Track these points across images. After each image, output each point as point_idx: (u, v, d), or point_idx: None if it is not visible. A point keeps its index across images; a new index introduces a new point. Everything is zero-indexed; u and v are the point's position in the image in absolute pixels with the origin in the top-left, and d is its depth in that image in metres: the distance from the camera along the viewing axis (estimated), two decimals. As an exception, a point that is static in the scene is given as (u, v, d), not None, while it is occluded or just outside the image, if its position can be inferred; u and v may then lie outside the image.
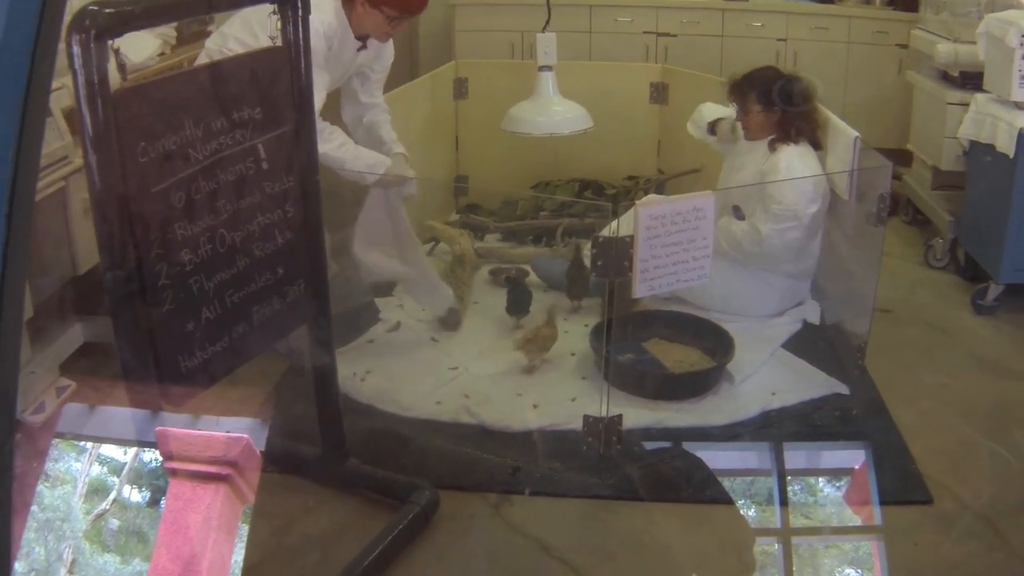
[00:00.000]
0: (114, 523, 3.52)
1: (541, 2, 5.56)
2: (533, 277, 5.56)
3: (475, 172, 6.60)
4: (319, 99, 4.30)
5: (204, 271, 3.01)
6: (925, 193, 6.35)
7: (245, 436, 3.45)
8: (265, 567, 3.43)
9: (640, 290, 3.88)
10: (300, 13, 3.19)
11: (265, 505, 3.61)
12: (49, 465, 3.62)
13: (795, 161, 4.89)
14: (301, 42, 3.23)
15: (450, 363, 4.77)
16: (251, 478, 3.41)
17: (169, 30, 4.96)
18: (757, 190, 4.90)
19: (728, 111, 5.26)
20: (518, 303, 5.01)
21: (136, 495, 3.62)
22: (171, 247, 2.88)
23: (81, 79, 2.53)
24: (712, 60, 7.77)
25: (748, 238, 4.92)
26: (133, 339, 2.89)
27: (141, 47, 4.57)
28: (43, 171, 3.87)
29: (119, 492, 3.60)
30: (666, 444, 4.16)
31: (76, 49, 2.49)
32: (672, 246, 3.82)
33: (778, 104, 4.97)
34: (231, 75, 3.13)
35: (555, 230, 5.90)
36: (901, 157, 6.79)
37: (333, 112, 4.70)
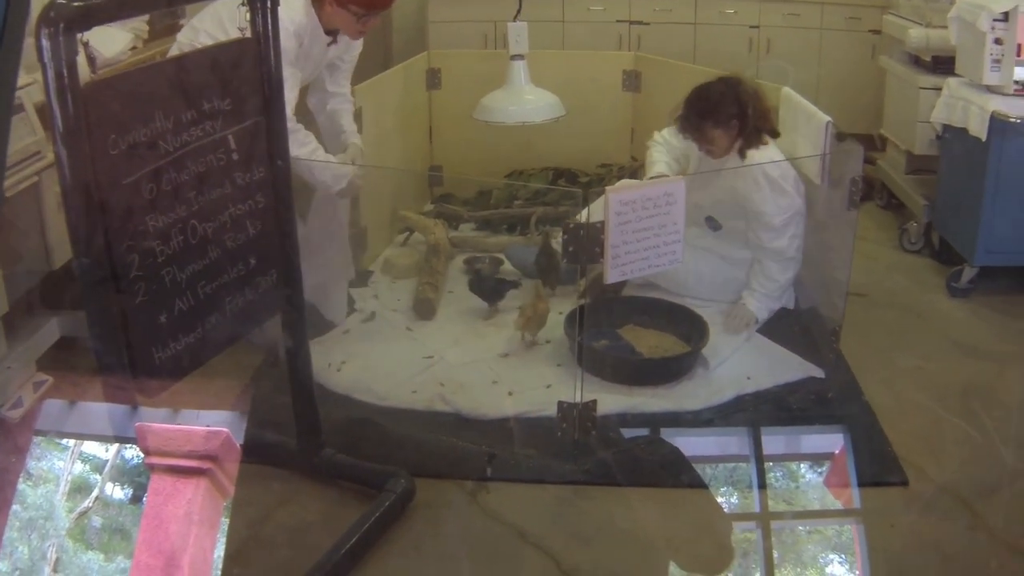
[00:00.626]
0: (97, 521, 3.52)
1: (514, -8, 5.58)
2: (507, 265, 5.58)
3: (449, 162, 6.60)
4: (291, 97, 4.30)
5: (176, 262, 3.02)
6: (899, 177, 6.38)
7: (224, 430, 3.46)
8: (241, 557, 3.43)
9: (612, 276, 3.89)
10: (268, 5, 3.20)
11: (241, 496, 3.62)
12: (31, 463, 3.63)
13: (768, 168, 4.83)
14: (270, 33, 3.24)
15: (425, 352, 4.78)
16: (231, 471, 3.42)
17: (141, 24, 4.95)
18: (736, 201, 4.95)
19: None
20: (491, 292, 5.01)
21: (119, 492, 3.62)
22: (143, 238, 2.89)
23: (50, 72, 2.54)
24: (685, 48, 7.78)
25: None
26: (106, 331, 2.90)
27: (113, 41, 4.56)
28: (16, 166, 3.87)
29: (102, 489, 3.60)
30: (642, 430, 4.17)
31: (45, 42, 2.50)
32: (643, 231, 3.84)
33: (735, 116, 4.86)
34: (200, 67, 3.13)
35: (529, 218, 5.90)
36: (875, 142, 6.83)
37: (302, 105, 4.70)
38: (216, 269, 3.19)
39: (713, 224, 5.08)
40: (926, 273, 5.79)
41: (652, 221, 3.83)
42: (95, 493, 3.60)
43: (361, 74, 5.12)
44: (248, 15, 3.20)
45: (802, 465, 4.15)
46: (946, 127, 5.61)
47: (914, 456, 3.95)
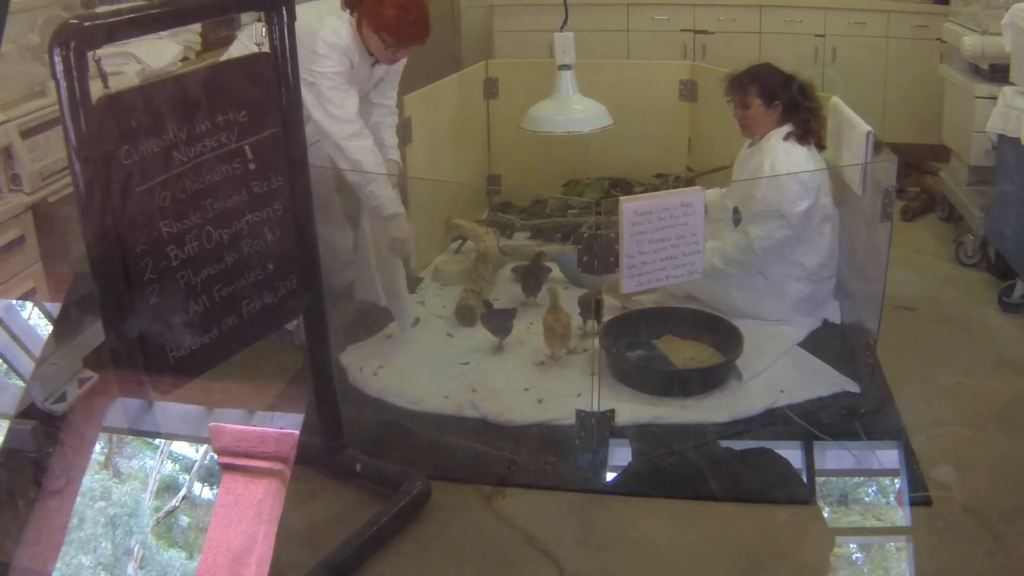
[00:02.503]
0: (184, 520, 3.60)
1: (579, 2, 5.61)
2: (556, 272, 5.62)
3: (508, 171, 6.65)
4: (352, 105, 4.49)
5: (191, 266, 3.13)
6: (959, 189, 6.27)
7: (296, 432, 3.53)
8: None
9: (628, 286, 3.92)
10: (285, 20, 3.29)
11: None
12: (121, 462, 3.72)
13: (780, 159, 4.89)
14: (287, 47, 3.33)
15: (463, 358, 4.85)
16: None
17: (193, 36, 5.06)
18: (751, 193, 4.95)
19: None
20: (499, 326, 5.00)
21: (207, 492, 3.70)
22: (156, 243, 3.00)
23: (63, 88, 2.67)
24: (750, 57, 7.61)
25: (736, 246, 4.94)
26: (120, 330, 3.01)
27: (162, 53, 4.67)
28: (63, 172, 4.01)
29: (189, 489, 3.68)
30: (663, 441, 4.19)
31: (57, 60, 2.64)
32: (660, 242, 3.86)
33: (781, 99, 4.98)
34: (214, 80, 3.23)
35: (581, 227, 5.94)
36: (941, 153, 6.76)
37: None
38: (233, 273, 3.29)
39: (736, 217, 5.09)
40: (980, 287, 5.70)
41: (669, 232, 3.85)
42: (182, 492, 3.68)
43: (425, 81, 5.19)
44: (265, 30, 3.30)
45: (825, 480, 4.14)
46: (1001, 137, 5.49)
47: (941, 476, 3.91)
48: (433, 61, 5.11)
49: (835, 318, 5.14)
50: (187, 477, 3.65)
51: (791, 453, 4.13)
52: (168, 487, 3.60)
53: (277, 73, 3.35)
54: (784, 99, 4.99)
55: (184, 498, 3.61)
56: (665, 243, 3.86)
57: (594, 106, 5.50)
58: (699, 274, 4.05)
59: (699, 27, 7.91)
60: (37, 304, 4.11)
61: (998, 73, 5.81)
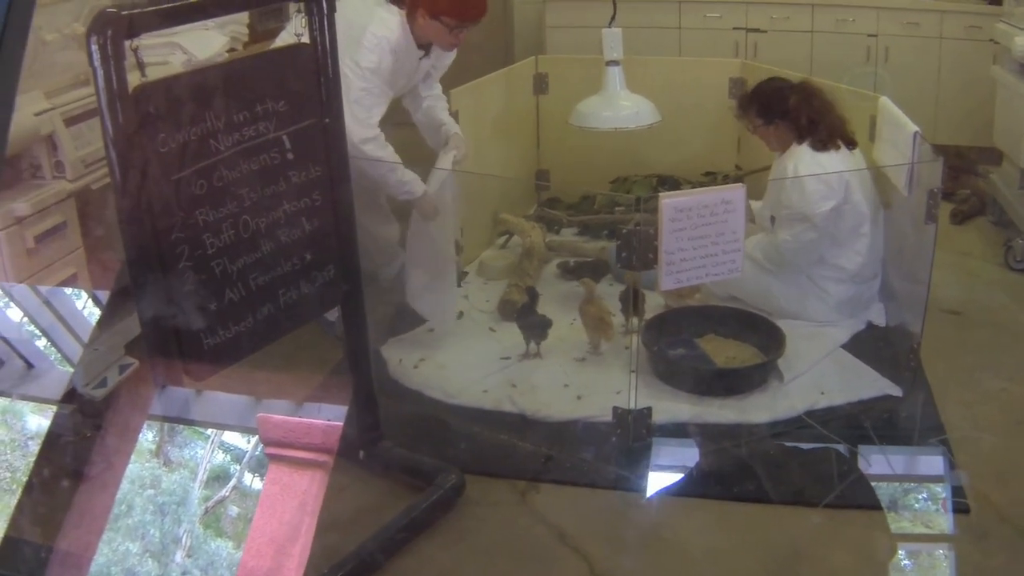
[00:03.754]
0: (234, 510, 3.63)
1: (630, -1, 5.62)
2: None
3: (556, 167, 6.64)
4: (379, 111, 4.51)
5: (227, 254, 3.15)
6: (1009, 192, 6.19)
7: (340, 424, 3.55)
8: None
9: (666, 283, 3.91)
10: (325, 10, 3.30)
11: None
12: (172, 450, 3.75)
13: (804, 161, 4.90)
14: (327, 38, 3.34)
15: (504, 352, 4.85)
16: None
17: (240, 27, 5.09)
18: (778, 198, 4.93)
19: None
20: (533, 329, 4.94)
21: (257, 483, 3.73)
22: (192, 231, 3.03)
23: (100, 77, 2.70)
24: (802, 56, 7.72)
25: (767, 250, 4.94)
26: (154, 316, 3.03)
27: (208, 44, 4.69)
28: (101, 161, 4.04)
29: (239, 479, 3.71)
30: (701, 440, 4.18)
31: (94, 49, 2.66)
32: (699, 239, 3.83)
33: (784, 115, 5.02)
34: (253, 70, 3.26)
35: (627, 224, 5.93)
36: (993, 155, 6.68)
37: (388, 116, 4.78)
38: (269, 262, 3.31)
39: (773, 226, 5.08)
40: (1028, 293, 5.65)
41: (709, 229, 3.83)
42: (232, 482, 3.71)
43: (476, 74, 5.18)
44: (305, 21, 3.31)
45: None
46: (1053, 139, 5.46)
47: (980, 482, 3.85)
48: (485, 56, 5.11)
49: (879, 320, 5.11)
50: (237, 467, 3.68)
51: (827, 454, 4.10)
52: (218, 477, 3.64)
53: (316, 64, 3.36)
54: (786, 114, 5.01)
55: (234, 488, 3.64)
56: (705, 240, 3.84)
57: (642, 102, 5.47)
58: (739, 272, 4.03)
59: (751, 25, 7.88)
60: (79, 290, 4.16)
61: (1050, 74, 5.76)
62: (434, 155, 5.01)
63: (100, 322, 4.27)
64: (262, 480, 3.67)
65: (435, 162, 4.88)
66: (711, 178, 6.36)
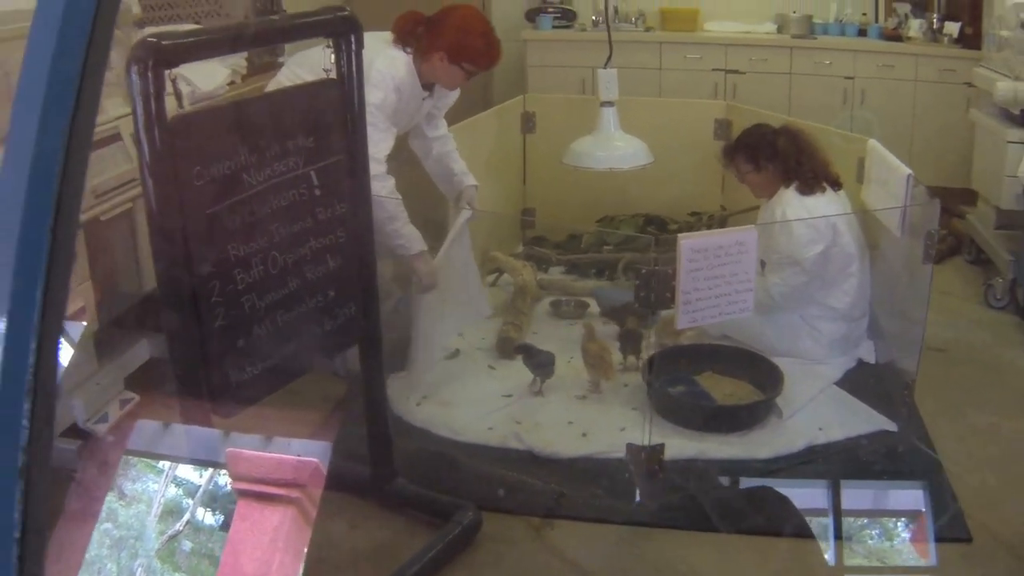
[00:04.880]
0: (187, 544, 3.61)
1: (615, 39, 5.64)
2: (594, 308, 5.66)
3: (542, 205, 6.67)
4: (386, 147, 4.50)
5: (256, 290, 3.15)
6: (987, 232, 6.30)
7: (315, 460, 3.54)
8: (307, 578, 3.53)
9: (683, 321, 3.95)
10: (354, 47, 3.33)
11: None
12: (125, 483, 3.73)
13: (792, 206, 4.99)
14: (355, 75, 3.36)
15: (504, 390, 4.86)
16: (319, 501, 3.52)
17: (240, 60, 5.10)
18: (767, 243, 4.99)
19: None
20: (540, 366, 4.93)
21: (210, 518, 3.71)
22: (224, 266, 3.03)
23: (139, 106, 2.70)
24: (780, 97, 7.83)
25: (757, 294, 4.95)
26: (185, 352, 3.03)
27: (211, 76, 4.71)
28: (112, 192, 4.02)
29: (192, 514, 3.69)
30: (709, 475, 4.22)
31: (135, 78, 2.66)
32: (715, 279, 3.88)
33: (770, 160, 5.12)
34: (284, 105, 3.28)
35: (617, 263, 5.98)
36: (967, 196, 6.78)
37: (393, 160, 4.78)
38: (295, 299, 3.32)
39: (763, 269, 5.14)
40: (1009, 330, 5.72)
41: (724, 269, 3.88)
42: (186, 517, 3.68)
43: (462, 116, 5.22)
44: (333, 57, 3.34)
45: (865, 518, 4.15)
46: (1033, 181, 5.56)
47: (980, 513, 3.92)
48: (464, 95, 5.13)
49: (869, 358, 5.17)
50: (190, 501, 3.67)
51: (820, 492, 4.16)
52: (171, 511, 3.63)
53: (344, 100, 3.38)
54: (774, 159, 5.10)
55: (187, 522, 3.63)
56: (719, 280, 3.89)
57: (635, 143, 5.53)
58: (750, 311, 4.07)
59: (730, 67, 8.00)
60: (82, 323, 4.14)
61: (1030, 119, 5.87)
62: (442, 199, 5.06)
63: (101, 356, 4.26)
64: (215, 515, 3.67)
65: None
66: (697, 218, 6.43)
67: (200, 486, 3.60)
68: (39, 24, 1.29)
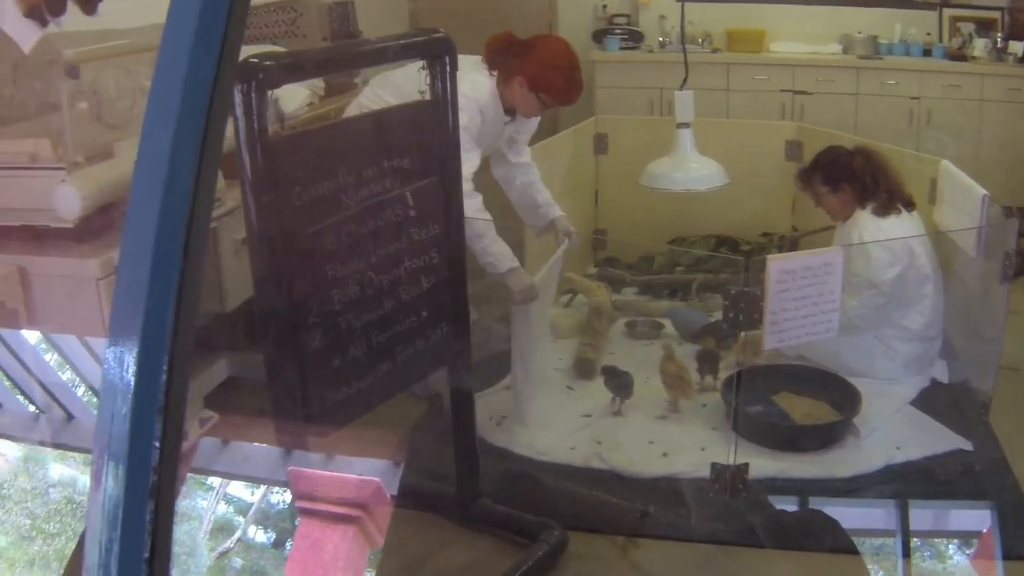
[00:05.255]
0: (238, 562, 3.65)
1: (680, 60, 5.66)
2: (669, 328, 5.70)
3: (614, 226, 6.70)
4: (472, 167, 4.49)
5: (352, 311, 3.20)
6: (1056, 252, 6.31)
7: (376, 479, 3.59)
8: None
9: (770, 342, 3.98)
10: (448, 70, 3.37)
11: (399, 539, 3.77)
12: (179, 501, 3.78)
13: (868, 229, 5.00)
14: (449, 96, 3.41)
15: (584, 410, 4.89)
16: (380, 522, 3.56)
17: (318, 81, 5.16)
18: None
19: None
20: (621, 387, 4.97)
21: (261, 535, 3.74)
22: (322, 286, 3.08)
23: (242, 126, 2.75)
24: (847, 118, 7.80)
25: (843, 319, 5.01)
26: (283, 371, 3.08)
27: (292, 97, 4.76)
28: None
29: (244, 531, 3.73)
30: (790, 497, 4.24)
31: (238, 97, 2.71)
32: (802, 299, 3.91)
33: (847, 181, 5.12)
34: (381, 126, 3.33)
35: (690, 284, 6.01)
36: (1037, 216, 6.76)
37: (479, 177, 4.81)
38: (389, 319, 3.36)
39: None
40: (1080, 350, 5.71)
41: (811, 290, 3.91)
42: (237, 534, 3.72)
43: (535, 138, 5.24)
44: (428, 79, 3.39)
45: (949, 540, 4.17)
46: (1101, 199, 5.55)
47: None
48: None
49: (943, 377, 5.16)
50: (242, 519, 3.71)
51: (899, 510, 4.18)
52: (222, 528, 3.66)
53: (438, 121, 3.43)
54: (851, 181, 5.11)
55: (239, 540, 3.67)
56: (806, 300, 3.92)
57: (711, 165, 5.53)
58: (835, 332, 4.10)
59: (798, 88, 7.99)
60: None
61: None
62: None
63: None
64: (266, 532, 3.71)
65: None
66: (768, 239, 6.43)
67: (252, 504, 3.65)
68: (170, 42, 1.32)
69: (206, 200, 1.35)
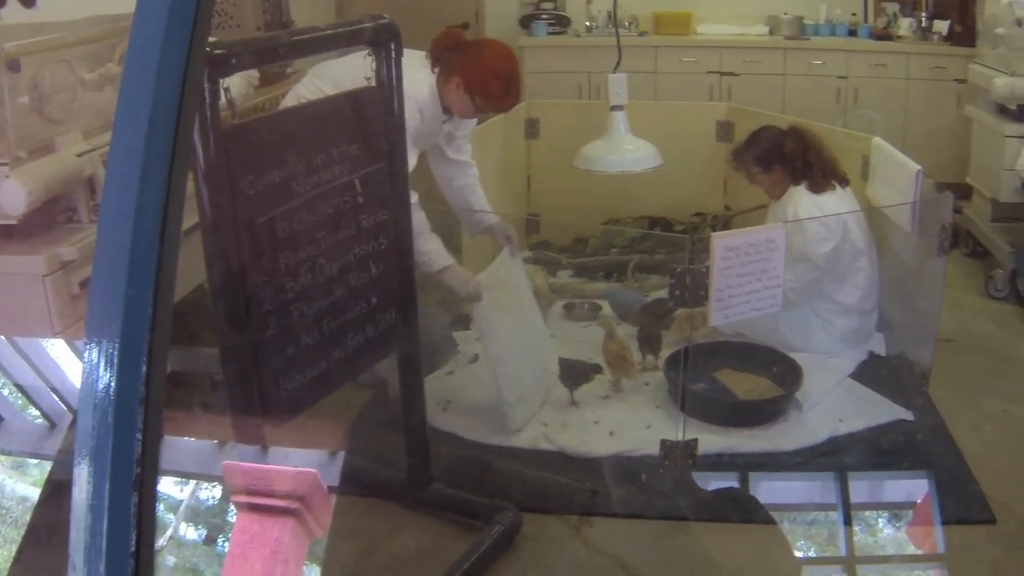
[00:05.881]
0: (170, 560, 3.62)
1: (609, 44, 5.67)
2: (606, 309, 5.75)
3: (547, 210, 6.71)
4: (410, 164, 4.48)
5: (304, 299, 3.18)
6: (985, 225, 6.43)
7: (313, 471, 3.58)
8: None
9: (715, 318, 4.02)
10: (393, 55, 3.37)
11: (351, 526, 3.77)
12: None
13: (803, 204, 5.09)
14: (394, 82, 3.41)
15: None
16: (320, 512, 3.56)
17: (253, 71, 5.14)
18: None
19: None
20: (576, 379, 4.89)
21: (192, 532, 3.72)
22: (275, 275, 3.06)
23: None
24: (775, 98, 7.89)
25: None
26: (239, 361, 3.07)
27: (234, 87, 4.74)
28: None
29: (175, 529, 3.70)
30: (737, 473, 4.30)
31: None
32: (746, 276, 3.95)
33: (779, 161, 5.21)
34: (331, 113, 3.32)
35: (626, 265, 6.05)
36: (960, 191, 6.85)
37: (418, 171, 4.79)
38: (340, 306, 3.35)
39: None
40: (1012, 319, 5.85)
41: (754, 266, 3.95)
42: (169, 532, 3.69)
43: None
44: (375, 65, 3.38)
45: (892, 505, 4.24)
46: (1032, 174, 5.66)
47: (1001, 495, 4.02)
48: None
49: (880, 350, 5.26)
50: (172, 517, 3.69)
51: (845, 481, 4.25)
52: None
53: (384, 107, 3.43)
54: (784, 159, 5.20)
55: (170, 538, 3.65)
56: (750, 277, 3.96)
57: (645, 146, 5.55)
58: (779, 307, 4.15)
59: (725, 69, 8.07)
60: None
61: (1027, 113, 5.98)
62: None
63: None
64: (197, 529, 3.69)
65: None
66: (701, 219, 6.49)
67: (183, 501, 3.62)
68: (140, 33, 1.32)
69: (180, 190, 1.35)
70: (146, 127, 1.31)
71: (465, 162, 5.02)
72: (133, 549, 1.26)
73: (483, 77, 4.47)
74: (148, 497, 1.28)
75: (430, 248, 4.51)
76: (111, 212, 1.31)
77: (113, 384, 1.26)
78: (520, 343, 4.81)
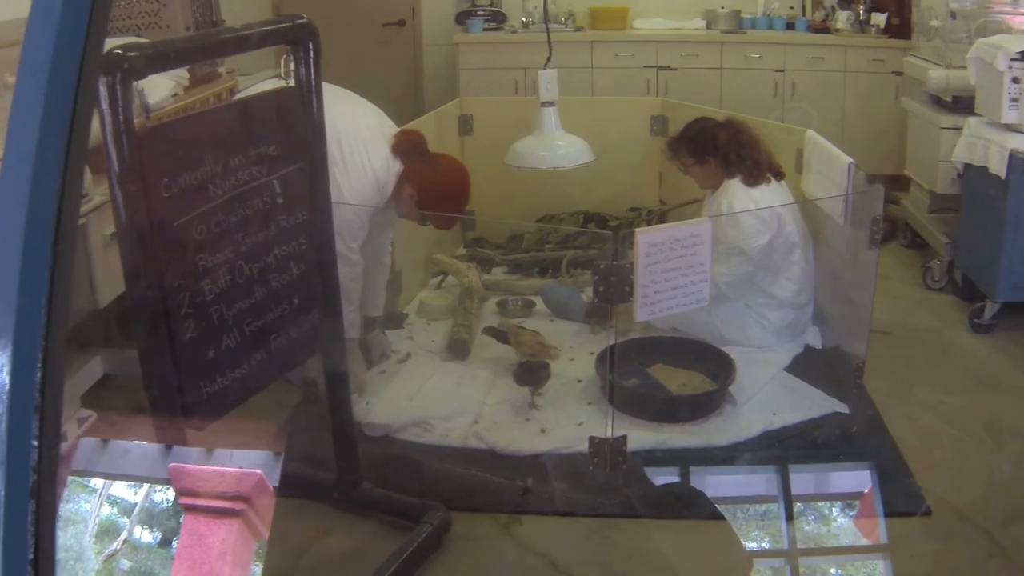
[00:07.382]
0: (125, 564, 3.59)
1: (543, 39, 5.67)
2: (540, 305, 5.73)
3: (482, 207, 6.66)
4: (360, 237, 4.58)
5: (224, 300, 3.14)
6: (922, 217, 6.47)
7: (258, 471, 3.55)
8: (282, 587, 3.55)
9: (641, 315, 4.00)
10: (312, 55, 3.34)
11: (281, 528, 3.73)
12: (61, 504, 3.70)
13: (738, 197, 5.09)
14: (312, 82, 3.37)
15: (461, 392, 4.87)
16: (264, 513, 3.52)
17: (182, 72, 5.09)
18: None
19: None
20: (534, 379, 4.86)
21: (147, 535, 3.68)
22: (193, 277, 3.02)
23: (108, 118, 2.67)
24: (712, 92, 7.92)
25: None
26: (157, 365, 3.03)
27: (157, 88, 4.70)
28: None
29: (130, 532, 3.66)
30: (672, 468, 4.28)
31: (103, 89, 2.64)
32: (671, 271, 3.94)
33: (713, 153, 5.21)
34: (247, 114, 3.28)
35: (560, 261, 6.04)
36: (898, 183, 6.91)
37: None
38: (262, 307, 3.31)
39: None
40: (949, 310, 5.87)
41: (680, 261, 3.94)
42: (123, 535, 3.66)
43: (398, 121, 5.22)
44: (292, 64, 3.35)
45: (832, 503, 4.23)
46: (967, 166, 5.69)
47: (937, 487, 4.02)
48: (399, 97, 5.15)
49: (816, 343, 5.27)
50: (127, 520, 3.65)
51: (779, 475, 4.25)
52: (107, 531, 3.60)
53: (303, 107, 3.39)
54: (718, 152, 5.20)
55: (125, 541, 3.61)
56: (676, 272, 3.95)
57: (576, 142, 5.55)
58: (706, 302, 4.14)
59: (662, 64, 8.08)
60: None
61: (961, 105, 6.03)
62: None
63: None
64: (152, 531, 3.66)
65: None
66: (636, 213, 6.48)
67: (136, 504, 3.58)
68: (33, 37, 1.29)
69: (74, 196, 1.32)
70: (37, 132, 1.28)
71: (385, 248, 5.11)
72: (31, 557, 1.25)
73: (436, 199, 4.61)
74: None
75: (350, 318, 4.58)
76: (3, 220, 1.29)
77: (7, 392, 1.24)
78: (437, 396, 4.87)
